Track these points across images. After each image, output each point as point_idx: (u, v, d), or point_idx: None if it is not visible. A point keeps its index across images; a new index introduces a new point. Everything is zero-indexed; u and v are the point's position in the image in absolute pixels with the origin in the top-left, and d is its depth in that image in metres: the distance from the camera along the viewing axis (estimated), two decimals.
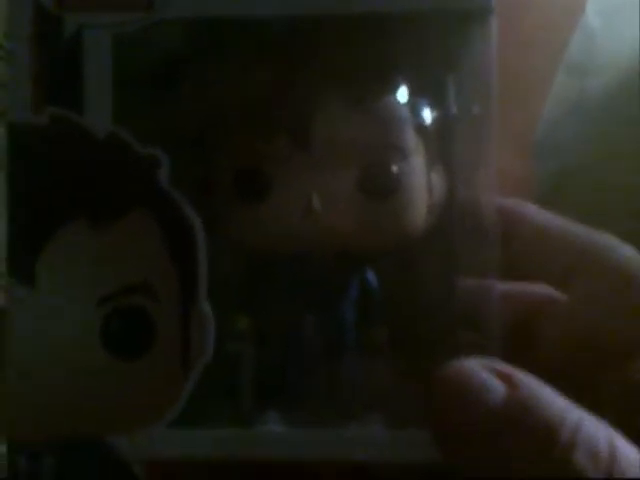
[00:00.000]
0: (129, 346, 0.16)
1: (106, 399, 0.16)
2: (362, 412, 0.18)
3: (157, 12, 0.16)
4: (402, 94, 0.18)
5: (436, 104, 0.18)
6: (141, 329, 0.16)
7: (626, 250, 0.18)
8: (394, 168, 0.18)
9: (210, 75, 0.17)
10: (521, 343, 0.18)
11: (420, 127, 0.18)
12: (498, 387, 0.15)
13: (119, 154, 0.16)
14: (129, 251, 0.17)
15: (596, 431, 0.15)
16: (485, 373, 0.16)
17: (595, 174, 0.36)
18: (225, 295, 0.17)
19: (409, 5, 0.17)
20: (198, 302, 0.16)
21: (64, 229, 0.16)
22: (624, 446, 0.15)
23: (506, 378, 0.16)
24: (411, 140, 0.18)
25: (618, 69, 0.38)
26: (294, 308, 0.18)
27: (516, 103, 0.31)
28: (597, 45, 0.37)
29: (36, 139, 0.16)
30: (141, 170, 0.16)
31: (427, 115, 0.18)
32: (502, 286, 0.18)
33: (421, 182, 0.18)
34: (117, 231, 0.17)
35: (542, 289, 0.20)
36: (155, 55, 0.17)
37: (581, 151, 0.36)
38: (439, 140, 0.18)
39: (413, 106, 0.18)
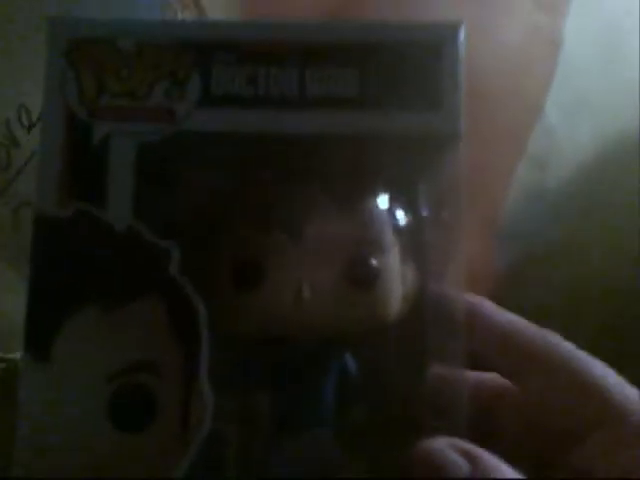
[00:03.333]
0: (133, 420, 0.19)
1: (110, 472, 0.19)
2: None
3: (177, 124, 0.20)
4: (382, 199, 0.22)
5: (410, 208, 0.22)
6: (144, 405, 0.19)
7: (566, 347, 0.22)
8: (374, 262, 0.21)
9: (217, 179, 0.21)
10: (481, 430, 0.20)
11: (396, 227, 0.22)
12: (463, 464, 0.18)
13: (135, 245, 0.19)
14: (137, 333, 0.19)
15: None
16: (451, 452, 0.19)
17: (557, 260, 0.40)
18: (215, 377, 0.19)
19: (390, 129, 0.20)
20: (199, 381, 0.19)
21: (80, 311, 0.19)
22: None
23: (469, 456, 0.19)
24: (389, 238, 0.21)
25: (577, 162, 0.42)
26: (277, 390, 0.21)
27: (479, 195, 0.35)
28: (556, 139, 0.42)
29: (60, 230, 0.19)
30: (154, 260, 0.19)
31: (402, 217, 0.22)
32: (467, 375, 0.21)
33: (397, 275, 0.21)
34: (128, 314, 0.19)
35: (494, 377, 0.23)
36: (168, 160, 0.20)
37: (543, 239, 0.40)
38: (412, 239, 0.22)
39: (391, 210, 0.22)
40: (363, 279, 0.21)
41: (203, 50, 0.20)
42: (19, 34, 0.37)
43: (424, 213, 0.22)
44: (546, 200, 0.40)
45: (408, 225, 0.22)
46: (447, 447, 0.19)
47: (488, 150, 0.36)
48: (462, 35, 0.21)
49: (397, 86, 0.20)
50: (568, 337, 0.22)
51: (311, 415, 0.21)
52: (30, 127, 0.38)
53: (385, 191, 0.22)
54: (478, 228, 0.37)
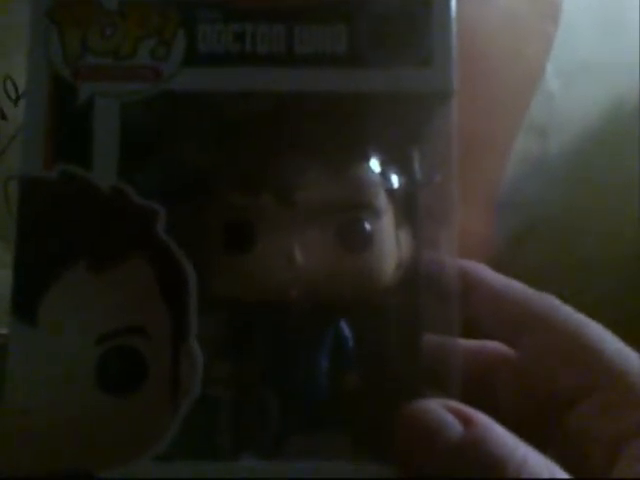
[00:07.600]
0: (122, 383, 0.19)
1: (98, 434, 0.19)
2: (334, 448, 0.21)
3: (163, 84, 0.20)
4: (374, 162, 0.22)
5: (403, 172, 0.22)
6: (133, 367, 0.19)
7: (565, 310, 0.22)
8: (368, 225, 0.21)
9: (206, 139, 0.21)
10: (477, 397, 0.20)
11: (390, 191, 0.22)
12: (455, 425, 0.18)
13: (121, 206, 0.19)
14: (125, 294, 0.19)
15: (539, 465, 0.18)
16: (444, 412, 0.19)
17: (558, 228, 0.40)
18: (207, 342, 0.19)
19: (380, 86, 0.20)
20: (188, 342, 0.19)
21: (67, 273, 0.19)
22: (564, 477, 0.18)
23: (462, 416, 0.19)
24: (382, 202, 0.21)
25: (578, 128, 0.43)
26: (272, 356, 0.21)
27: (479, 163, 0.35)
28: (557, 106, 0.42)
29: (45, 192, 0.19)
30: (141, 221, 0.19)
31: (395, 181, 0.22)
32: (462, 344, 0.21)
33: (391, 239, 0.21)
34: (115, 276, 0.19)
35: (496, 346, 0.23)
36: (155, 120, 0.20)
37: (544, 207, 0.40)
38: (406, 204, 0.22)
39: (383, 173, 0.22)
40: (356, 242, 0.21)
41: (188, 8, 0.20)
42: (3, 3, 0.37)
43: (418, 176, 0.22)
44: (546, 167, 0.40)
45: (402, 189, 0.22)
46: (439, 407, 0.19)
47: (488, 118, 0.36)
48: None
49: (386, 42, 0.20)
50: (568, 305, 0.22)
51: (306, 382, 0.21)
52: (17, 100, 0.38)
53: (377, 153, 0.22)
54: (478, 197, 0.37)
